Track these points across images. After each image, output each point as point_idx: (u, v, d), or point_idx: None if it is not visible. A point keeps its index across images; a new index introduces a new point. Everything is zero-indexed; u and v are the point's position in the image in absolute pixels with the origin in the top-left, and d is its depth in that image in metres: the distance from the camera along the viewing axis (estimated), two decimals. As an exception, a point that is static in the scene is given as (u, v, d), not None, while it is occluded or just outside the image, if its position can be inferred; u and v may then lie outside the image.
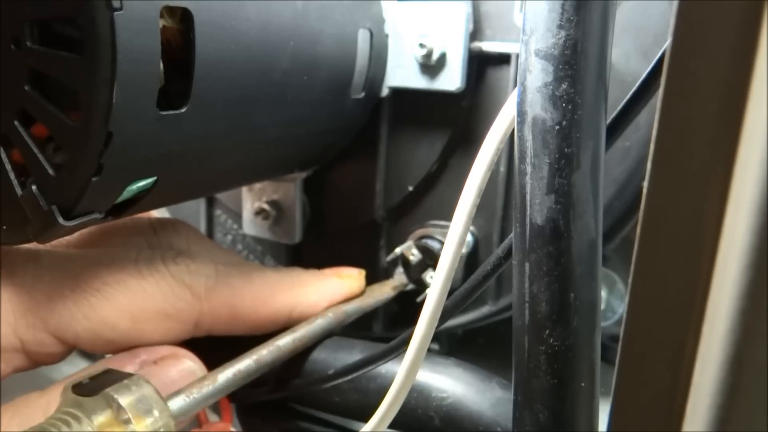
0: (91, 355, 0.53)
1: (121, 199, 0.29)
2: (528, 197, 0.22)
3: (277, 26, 0.32)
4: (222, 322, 0.36)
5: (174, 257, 0.35)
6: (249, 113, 0.32)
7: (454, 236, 0.26)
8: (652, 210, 0.19)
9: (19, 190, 0.27)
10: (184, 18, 0.27)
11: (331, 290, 0.39)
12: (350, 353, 0.37)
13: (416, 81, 0.40)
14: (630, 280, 0.20)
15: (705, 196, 0.18)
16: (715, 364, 0.18)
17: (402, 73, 0.41)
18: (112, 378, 0.27)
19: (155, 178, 0.29)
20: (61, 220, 0.26)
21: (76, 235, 0.35)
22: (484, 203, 0.41)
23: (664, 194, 0.18)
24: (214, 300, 0.35)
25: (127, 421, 0.25)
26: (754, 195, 0.16)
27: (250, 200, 0.46)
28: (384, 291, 0.42)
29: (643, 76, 0.24)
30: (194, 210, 0.51)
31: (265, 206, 0.46)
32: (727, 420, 0.18)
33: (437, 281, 0.26)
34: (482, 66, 0.40)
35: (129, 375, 0.27)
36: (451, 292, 0.27)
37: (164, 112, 0.27)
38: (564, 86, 0.21)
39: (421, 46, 0.39)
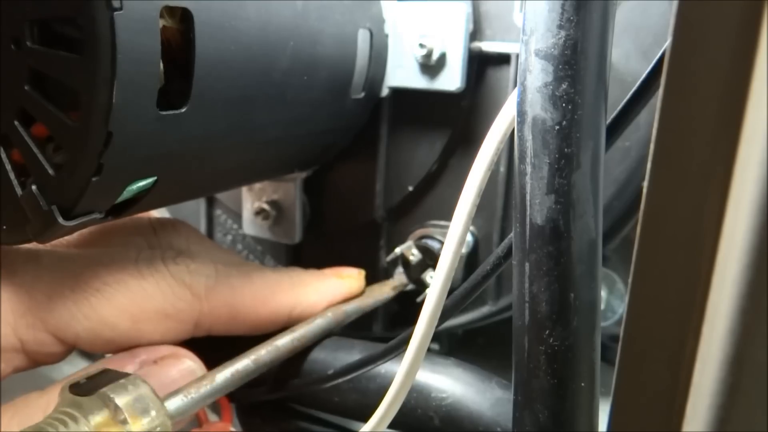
0: (91, 355, 0.53)
1: (121, 199, 0.29)
2: (528, 197, 0.22)
3: (277, 26, 0.32)
4: (222, 322, 0.36)
5: (174, 257, 0.35)
6: (249, 113, 0.32)
7: (454, 236, 0.26)
8: (652, 210, 0.19)
9: (19, 190, 0.27)
10: (184, 18, 0.27)
11: (330, 290, 0.39)
12: (350, 353, 0.37)
13: (416, 81, 0.40)
14: (630, 280, 0.20)
15: (705, 196, 0.18)
16: (715, 364, 0.18)
17: (402, 73, 0.41)
18: (109, 378, 0.27)
19: (155, 178, 0.29)
20: (61, 220, 0.26)
21: (75, 235, 0.35)
22: (484, 203, 0.41)
23: (664, 194, 0.18)
24: (214, 300, 0.35)
25: (124, 421, 0.25)
26: (754, 195, 0.16)
27: (250, 200, 0.46)
28: (384, 291, 0.42)
29: (643, 76, 0.24)
30: (194, 210, 0.51)
31: (265, 206, 0.46)
32: (727, 420, 0.18)
33: (437, 281, 0.26)
34: (482, 66, 0.40)
35: (126, 375, 0.27)
36: (451, 292, 0.27)
37: (164, 112, 0.27)
38: (564, 86, 0.21)
39: (421, 46, 0.39)
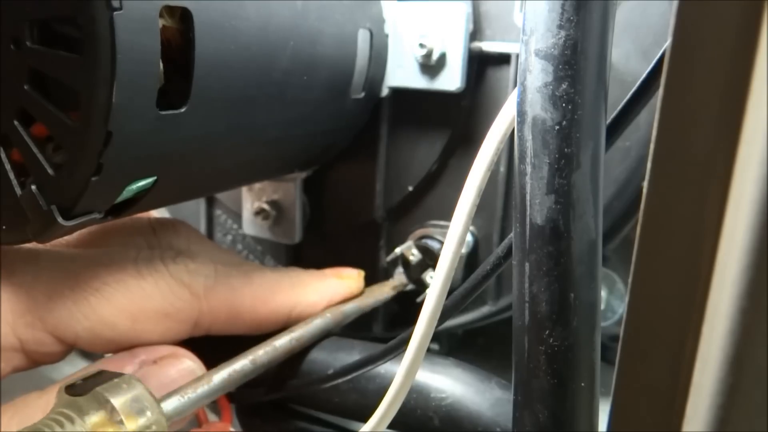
0: (91, 355, 0.53)
1: (120, 198, 0.29)
2: (528, 197, 0.22)
3: (277, 26, 0.32)
4: (221, 322, 0.36)
5: (173, 257, 0.35)
6: (249, 113, 0.32)
7: (454, 236, 0.26)
8: (652, 210, 0.19)
9: (18, 190, 0.27)
10: (183, 18, 0.27)
11: (330, 291, 0.39)
12: (349, 353, 0.37)
13: (416, 81, 0.40)
14: (630, 280, 0.20)
15: (705, 196, 0.18)
16: (715, 364, 0.18)
17: (402, 73, 0.41)
18: (105, 379, 0.27)
19: (155, 178, 0.29)
20: (60, 219, 0.26)
21: (75, 234, 0.35)
22: (484, 203, 0.41)
23: (664, 194, 0.18)
24: (213, 299, 0.35)
25: (120, 422, 0.25)
26: (754, 195, 0.16)
27: (250, 200, 0.46)
28: (383, 291, 0.42)
29: (643, 76, 0.24)
30: (194, 210, 0.51)
31: (265, 206, 0.46)
32: (727, 420, 0.18)
33: (437, 281, 0.26)
34: (482, 66, 0.40)
35: (122, 375, 0.27)
36: (451, 292, 0.27)
37: (164, 112, 0.27)
38: (564, 86, 0.21)
39: (421, 46, 0.39)
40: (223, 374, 0.31)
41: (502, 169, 0.41)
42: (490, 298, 0.43)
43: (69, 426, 0.25)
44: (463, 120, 0.41)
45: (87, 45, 0.24)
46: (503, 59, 0.40)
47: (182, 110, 0.28)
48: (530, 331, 0.22)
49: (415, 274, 0.43)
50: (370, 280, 0.43)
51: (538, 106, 0.21)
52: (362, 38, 0.39)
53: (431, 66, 0.39)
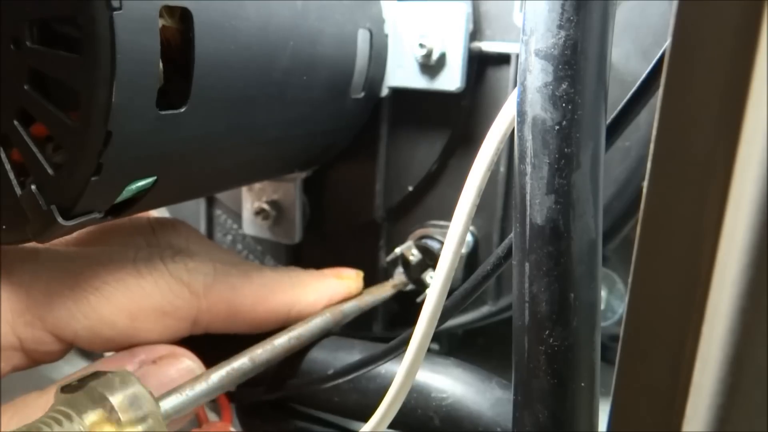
0: (90, 356, 0.53)
1: (120, 198, 0.29)
2: (528, 197, 0.22)
3: (277, 26, 0.32)
4: (220, 320, 0.36)
5: (172, 255, 0.35)
6: (249, 113, 0.32)
7: (454, 236, 0.26)
8: (652, 210, 0.19)
9: (18, 190, 0.27)
10: (183, 18, 0.27)
11: (329, 290, 0.39)
12: (350, 353, 0.37)
13: (416, 81, 0.40)
14: (630, 280, 0.20)
15: (705, 196, 0.18)
16: (715, 364, 0.18)
17: (402, 73, 0.41)
18: (102, 377, 0.27)
19: (155, 177, 0.29)
20: (60, 219, 0.26)
21: (74, 234, 0.35)
22: (484, 203, 0.41)
23: (664, 194, 0.18)
24: (213, 297, 0.35)
25: (118, 420, 0.25)
26: (754, 195, 0.16)
27: (250, 200, 0.46)
28: (383, 290, 0.42)
29: (643, 76, 0.24)
30: (194, 210, 0.51)
31: (265, 206, 0.46)
32: (727, 420, 0.18)
33: (437, 281, 0.26)
34: (482, 66, 0.40)
35: (117, 371, 0.27)
36: (451, 292, 0.27)
37: (164, 112, 0.27)
38: (564, 86, 0.21)
39: (421, 46, 0.39)
40: (221, 373, 0.31)
41: (502, 169, 0.41)
42: (490, 298, 0.43)
43: (67, 424, 0.25)
44: (463, 120, 0.41)
45: (87, 45, 0.24)
46: (503, 59, 0.40)
47: (182, 110, 0.28)
48: (530, 331, 0.22)
49: (415, 274, 0.43)
50: (370, 281, 0.43)
51: (538, 106, 0.21)
52: (362, 38, 0.39)
53: (431, 66, 0.39)
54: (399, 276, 0.44)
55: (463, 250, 0.41)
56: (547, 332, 0.21)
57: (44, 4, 0.24)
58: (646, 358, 0.20)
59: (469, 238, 0.42)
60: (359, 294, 0.41)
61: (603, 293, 0.45)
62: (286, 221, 0.46)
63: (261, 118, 0.33)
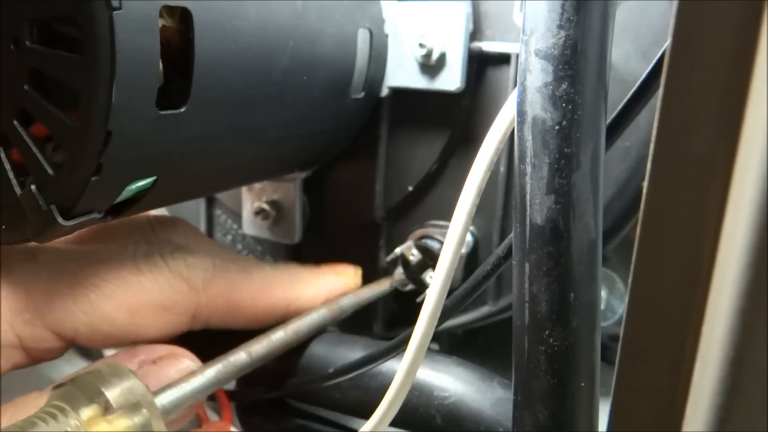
0: (90, 355, 0.53)
1: (120, 198, 0.29)
2: (528, 197, 0.22)
3: (277, 26, 0.32)
4: (219, 315, 0.36)
5: (171, 251, 0.35)
6: (248, 113, 0.32)
7: (454, 236, 0.26)
8: (652, 210, 0.19)
9: (18, 190, 0.27)
10: (183, 18, 0.27)
11: (328, 286, 0.39)
12: (351, 350, 0.37)
13: (416, 81, 0.40)
14: (630, 280, 0.20)
15: (705, 196, 0.18)
16: (715, 364, 0.18)
17: (402, 73, 0.41)
18: (96, 371, 0.27)
19: (155, 177, 0.29)
20: (60, 219, 0.26)
21: (73, 233, 0.36)
22: (484, 203, 0.41)
23: (664, 194, 0.18)
24: (212, 292, 0.35)
25: (113, 413, 0.25)
26: (754, 195, 0.16)
27: (250, 200, 0.46)
28: (381, 285, 0.42)
29: (643, 76, 0.24)
30: (194, 210, 0.51)
31: (265, 206, 0.46)
32: (727, 420, 0.18)
33: (437, 281, 0.26)
34: (482, 66, 0.40)
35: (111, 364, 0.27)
36: (451, 292, 0.27)
37: (163, 112, 0.27)
38: (564, 86, 0.21)
39: (421, 46, 0.39)
40: (218, 367, 0.31)
41: (502, 169, 0.41)
42: (490, 298, 0.43)
43: (63, 419, 0.25)
44: (463, 120, 0.41)
45: (87, 45, 0.24)
46: (503, 59, 0.40)
47: (182, 110, 0.28)
48: (530, 331, 0.22)
49: (415, 274, 0.43)
50: (370, 281, 0.43)
51: (538, 106, 0.21)
52: (362, 38, 0.39)
53: (431, 66, 0.39)
54: (399, 275, 0.44)
55: (463, 250, 0.41)
56: (547, 332, 0.21)
57: (44, 4, 0.24)
58: (646, 358, 0.20)
59: (469, 238, 0.42)
60: (357, 290, 0.41)
61: (603, 293, 0.45)
62: (286, 221, 0.46)
63: (261, 118, 0.33)
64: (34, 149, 0.26)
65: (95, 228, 0.37)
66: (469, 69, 0.40)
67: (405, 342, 0.29)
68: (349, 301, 0.40)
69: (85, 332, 0.32)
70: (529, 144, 0.21)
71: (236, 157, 0.35)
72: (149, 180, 0.29)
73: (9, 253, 0.32)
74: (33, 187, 0.26)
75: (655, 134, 0.18)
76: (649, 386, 0.20)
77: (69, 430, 0.24)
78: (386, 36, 0.41)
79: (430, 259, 0.42)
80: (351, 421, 0.40)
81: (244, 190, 0.47)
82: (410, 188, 0.43)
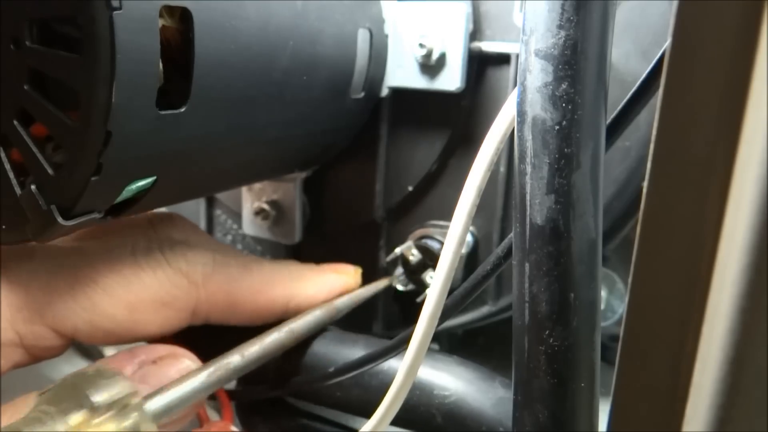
0: (90, 355, 0.53)
1: (120, 198, 0.29)
2: (528, 197, 0.22)
3: (277, 26, 0.32)
4: (219, 310, 0.36)
5: (171, 247, 0.35)
6: (248, 113, 0.32)
7: (454, 236, 0.26)
8: (652, 210, 0.19)
9: (18, 190, 0.27)
10: (183, 18, 0.27)
11: (328, 285, 0.39)
12: (353, 348, 0.37)
13: (416, 81, 0.40)
14: (630, 280, 0.20)
15: (705, 196, 0.18)
16: (715, 364, 0.18)
17: (402, 73, 0.41)
18: (83, 374, 0.27)
19: (155, 177, 0.29)
20: (60, 219, 0.26)
21: (73, 232, 0.36)
22: (484, 203, 0.41)
23: (664, 194, 0.18)
24: (212, 287, 0.35)
25: (101, 418, 0.25)
26: (754, 195, 0.16)
27: (250, 200, 0.46)
28: (378, 284, 0.42)
29: (643, 76, 0.24)
30: (194, 210, 0.51)
31: (265, 206, 0.46)
32: (727, 420, 0.18)
33: (437, 281, 0.26)
34: (482, 66, 0.40)
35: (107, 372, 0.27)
36: (451, 292, 0.27)
37: (163, 112, 0.27)
38: (564, 86, 0.21)
39: (421, 46, 0.39)
40: (212, 370, 0.31)
41: (502, 169, 0.41)
42: (490, 298, 0.43)
43: (50, 423, 0.24)
44: (463, 120, 0.41)
45: (87, 45, 0.24)
46: (503, 59, 0.40)
47: (182, 110, 0.28)
48: (530, 331, 0.22)
49: (415, 274, 0.43)
50: (370, 281, 0.43)
51: (538, 106, 0.21)
52: (362, 38, 0.39)
53: (431, 66, 0.39)
54: (399, 276, 0.44)
55: (463, 250, 0.41)
56: (547, 332, 0.21)
57: (44, 4, 0.24)
58: (646, 358, 0.20)
59: (469, 238, 0.42)
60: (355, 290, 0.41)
61: (603, 293, 0.45)
62: (285, 221, 0.46)
63: (261, 118, 0.33)
64: (34, 149, 0.26)
65: (95, 226, 0.37)
66: (469, 69, 0.40)
67: (406, 341, 0.29)
68: (348, 299, 0.40)
69: (84, 329, 0.32)
70: (529, 144, 0.21)
71: (236, 157, 0.35)
72: (149, 180, 0.29)
73: (8, 252, 0.32)
74: (33, 187, 0.26)
75: (655, 134, 0.18)
76: (649, 386, 0.20)
77: None
78: (386, 36, 0.41)
79: (430, 259, 0.42)
80: (351, 420, 0.40)
81: (244, 190, 0.47)
82: (410, 188, 0.43)
